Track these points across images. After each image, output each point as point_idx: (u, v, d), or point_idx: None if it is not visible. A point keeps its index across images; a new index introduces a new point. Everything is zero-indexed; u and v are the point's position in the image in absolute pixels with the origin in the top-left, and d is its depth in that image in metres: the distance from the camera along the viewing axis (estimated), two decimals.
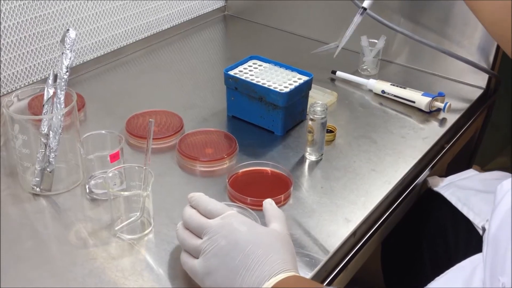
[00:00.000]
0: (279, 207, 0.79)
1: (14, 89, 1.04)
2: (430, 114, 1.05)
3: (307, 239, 0.75)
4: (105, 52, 1.20)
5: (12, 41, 1.01)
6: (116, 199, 0.73)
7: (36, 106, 0.93)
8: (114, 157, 0.77)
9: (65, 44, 0.79)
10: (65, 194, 0.82)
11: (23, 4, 1.00)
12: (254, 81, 0.96)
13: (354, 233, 0.78)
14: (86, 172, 0.81)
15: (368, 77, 1.14)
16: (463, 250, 0.89)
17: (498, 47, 1.11)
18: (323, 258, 0.72)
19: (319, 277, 0.72)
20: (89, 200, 0.81)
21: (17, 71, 1.04)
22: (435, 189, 0.96)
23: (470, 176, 0.97)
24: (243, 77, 0.97)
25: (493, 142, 1.47)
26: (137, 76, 1.17)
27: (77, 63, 1.15)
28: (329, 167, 0.90)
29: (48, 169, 0.79)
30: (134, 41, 1.26)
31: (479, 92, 1.14)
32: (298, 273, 0.63)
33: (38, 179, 0.80)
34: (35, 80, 1.07)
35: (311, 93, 1.01)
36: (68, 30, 0.79)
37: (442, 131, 1.01)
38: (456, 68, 1.16)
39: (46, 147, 0.79)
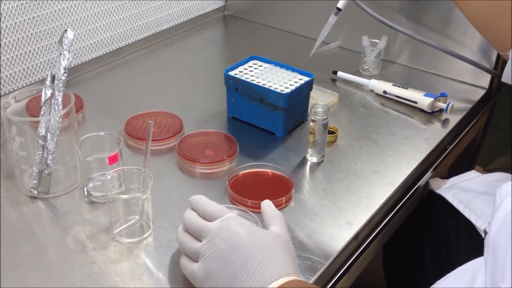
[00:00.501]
0: (280, 209, 0.79)
1: (11, 90, 1.03)
2: (432, 114, 1.04)
3: (309, 242, 0.74)
4: (104, 53, 1.19)
5: (9, 41, 0.99)
6: (115, 202, 0.72)
7: (34, 107, 0.92)
8: (113, 159, 0.76)
9: (63, 44, 0.78)
10: (63, 197, 0.80)
11: (21, 4, 0.99)
12: (254, 82, 0.95)
13: (356, 236, 0.77)
14: (84, 175, 0.80)
15: (369, 77, 1.13)
16: (465, 252, 0.88)
17: None
18: (325, 262, 0.71)
19: (321, 281, 0.71)
20: (87, 203, 0.80)
21: (15, 72, 1.03)
22: (437, 191, 0.95)
23: (472, 178, 0.96)
24: (243, 78, 0.96)
25: (495, 142, 1.46)
26: (137, 77, 1.16)
27: (76, 64, 1.14)
28: (330, 169, 0.89)
29: (45, 172, 0.78)
30: (134, 41, 1.25)
31: (481, 92, 1.13)
32: (299, 277, 0.62)
33: (35, 181, 0.79)
34: (33, 81, 1.06)
35: (312, 93, 1.00)
36: (66, 30, 0.78)
37: (444, 132, 1.00)
38: (458, 68, 1.15)
39: (44, 149, 0.78)
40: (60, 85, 0.78)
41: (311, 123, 0.88)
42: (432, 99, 1.03)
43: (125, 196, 0.72)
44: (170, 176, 0.86)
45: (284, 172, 0.85)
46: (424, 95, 1.04)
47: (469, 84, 1.16)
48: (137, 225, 0.74)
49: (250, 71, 0.99)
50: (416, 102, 1.04)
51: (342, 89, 1.12)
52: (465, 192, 0.91)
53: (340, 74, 1.15)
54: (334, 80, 1.15)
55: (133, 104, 1.04)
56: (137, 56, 1.24)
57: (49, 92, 0.78)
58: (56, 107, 0.78)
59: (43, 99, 0.78)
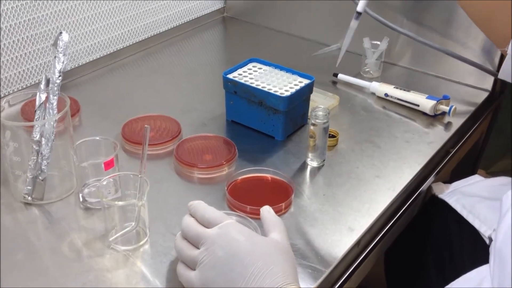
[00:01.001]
0: (280, 215, 0.77)
1: (6, 94, 1.02)
2: (435, 117, 1.02)
3: (309, 249, 0.73)
4: (102, 55, 1.18)
5: (4, 44, 0.98)
6: (110, 209, 0.71)
7: (29, 111, 0.90)
8: (109, 165, 0.75)
9: (57, 47, 0.76)
10: (58, 203, 0.79)
11: (16, 6, 0.97)
12: (253, 85, 0.93)
13: (358, 243, 0.75)
14: (80, 180, 0.79)
15: (370, 79, 1.12)
16: (469, 258, 0.87)
17: None
18: (326, 270, 0.70)
19: None
20: (82, 209, 0.78)
21: (10, 75, 1.01)
22: (440, 196, 0.93)
23: (475, 182, 0.94)
24: (242, 81, 0.94)
25: (497, 145, 1.44)
26: (134, 80, 1.14)
27: (73, 66, 1.13)
28: (331, 173, 0.87)
29: (40, 177, 0.77)
30: (132, 43, 1.24)
31: (484, 95, 1.12)
32: (299, 286, 0.61)
33: (30, 187, 0.77)
34: (28, 85, 1.05)
35: (312, 96, 0.98)
36: (61, 33, 0.76)
37: (447, 135, 0.98)
38: (461, 70, 1.13)
39: (38, 154, 0.76)
40: (55, 88, 0.76)
41: (312, 127, 0.86)
42: (435, 101, 1.01)
43: (120, 203, 0.70)
44: (168, 181, 0.85)
45: (284, 177, 0.84)
46: (426, 98, 1.02)
47: (472, 86, 1.14)
48: (133, 232, 0.72)
49: (250, 73, 0.97)
50: (418, 105, 1.03)
51: (343, 92, 1.10)
52: (469, 197, 0.90)
53: (341, 76, 1.13)
54: (334, 83, 1.14)
55: (130, 107, 1.02)
56: (135, 58, 1.22)
57: (43, 96, 0.77)
58: (50, 111, 0.76)
59: (37, 103, 0.77)
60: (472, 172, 0.98)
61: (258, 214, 0.71)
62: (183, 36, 1.33)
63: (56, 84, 0.76)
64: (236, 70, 0.98)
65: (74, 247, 0.72)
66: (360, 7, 0.98)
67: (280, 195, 0.81)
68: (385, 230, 0.82)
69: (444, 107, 1.01)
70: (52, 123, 0.76)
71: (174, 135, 0.93)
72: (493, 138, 1.28)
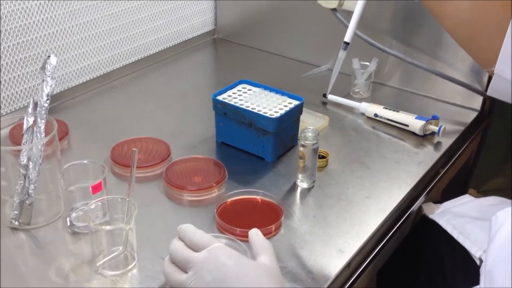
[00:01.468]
0: (270, 237, 0.77)
1: None
2: (424, 137, 1.02)
3: (300, 272, 0.72)
4: (91, 78, 1.18)
5: None
6: (98, 233, 0.70)
7: (17, 135, 0.90)
8: (96, 188, 0.74)
9: (45, 71, 0.76)
10: (45, 228, 0.78)
11: (4, 30, 0.97)
12: (243, 106, 0.93)
13: (348, 265, 0.75)
14: (67, 204, 0.78)
15: (360, 100, 1.12)
16: (461, 279, 0.86)
17: None
18: None
19: None
20: (70, 234, 0.77)
21: None
22: (430, 216, 0.93)
23: (465, 202, 0.94)
24: (232, 102, 0.94)
25: (488, 163, 1.44)
26: (124, 102, 1.14)
27: (62, 89, 1.12)
28: (321, 195, 0.87)
29: (27, 202, 0.76)
30: (121, 65, 1.24)
31: (474, 115, 1.12)
32: None
33: (17, 212, 0.76)
34: (17, 108, 1.04)
35: (302, 117, 0.98)
36: (49, 56, 0.77)
37: (437, 155, 0.98)
38: (449, 90, 1.14)
39: (26, 178, 0.76)
40: (43, 112, 0.76)
41: (301, 148, 0.86)
42: (424, 122, 1.01)
43: (108, 227, 0.70)
44: (157, 204, 0.84)
45: (273, 198, 0.83)
46: (416, 118, 1.02)
47: (461, 106, 1.14)
48: (121, 256, 0.71)
49: (239, 95, 0.98)
50: (407, 125, 1.03)
51: (333, 112, 1.11)
52: (459, 217, 0.89)
53: (331, 97, 1.13)
54: (324, 103, 1.14)
55: (120, 130, 1.02)
56: (125, 81, 1.22)
57: (31, 120, 0.76)
58: (38, 135, 0.76)
59: (25, 126, 0.77)
60: (463, 191, 0.98)
61: (248, 236, 0.70)
62: (173, 58, 1.34)
63: (44, 108, 0.76)
64: (225, 91, 0.98)
65: (61, 272, 0.71)
66: (347, 37, 0.98)
67: (270, 217, 0.80)
68: (376, 251, 0.81)
69: (433, 127, 1.01)
70: (39, 147, 0.75)
71: (164, 157, 0.92)
72: (484, 157, 1.29)
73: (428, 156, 0.98)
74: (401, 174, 0.92)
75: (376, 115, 1.07)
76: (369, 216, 0.83)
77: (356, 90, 1.17)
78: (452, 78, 1.06)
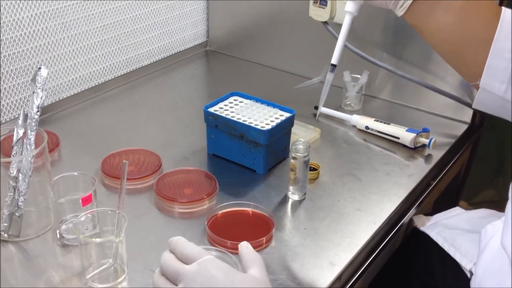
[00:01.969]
0: (261, 249, 0.77)
1: None
2: (415, 150, 1.03)
3: (290, 284, 0.72)
4: (83, 89, 1.18)
5: None
6: (87, 246, 0.70)
7: (7, 147, 0.89)
8: (86, 200, 0.74)
9: (36, 83, 0.76)
10: (35, 240, 0.77)
11: None
12: (234, 118, 0.94)
13: (339, 277, 0.75)
14: (57, 216, 0.77)
15: (351, 112, 1.12)
16: None
17: None
18: None
19: None
20: (60, 246, 0.77)
21: None
22: (421, 228, 0.93)
23: (456, 215, 0.94)
24: (223, 114, 0.95)
25: (479, 175, 1.45)
26: (116, 113, 1.14)
27: (54, 100, 1.12)
28: (312, 207, 0.87)
29: (16, 214, 0.76)
30: (113, 77, 1.24)
31: (464, 127, 1.13)
32: None
33: (6, 224, 0.76)
34: (7, 119, 1.04)
35: (293, 129, 0.98)
36: (40, 68, 0.76)
37: (428, 167, 0.98)
38: (440, 103, 1.14)
39: (15, 190, 0.75)
40: (33, 124, 0.76)
41: (292, 160, 0.86)
42: (415, 134, 1.02)
43: (97, 240, 0.69)
44: (148, 216, 0.84)
45: (264, 211, 0.83)
46: (407, 131, 1.03)
47: (451, 119, 1.15)
48: (111, 269, 0.71)
49: (231, 107, 0.98)
50: (398, 138, 1.03)
51: (324, 125, 1.11)
52: (450, 229, 0.89)
53: (322, 109, 1.13)
54: (316, 115, 1.14)
55: (111, 141, 1.02)
56: (117, 92, 1.22)
57: (21, 132, 0.76)
58: (28, 146, 0.75)
59: (15, 138, 0.76)
60: (454, 204, 0.98)
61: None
62: (165, 70, 1.34)
63: (34, 120, 0.76)
64: (217, 103, 0.98)
65: (51, 284, 0.70)
66: (334, 59, 0.98)
67: (261, 229, 0.80)
68: (367, 263, 0.81)
69: (424, 140, 1.02)
70: (29, 158, 0.75)
71: (155, 169, 0.92)
72: (474, 169, 1.29)
73: (419, 169, 0.98)
74: (392, 186, 0.93)
75: (367, 127, 1.07)
76: (360, 228, 0.83)
77: (348, 102, 1.17)
78: (443, 91, 1.07)
